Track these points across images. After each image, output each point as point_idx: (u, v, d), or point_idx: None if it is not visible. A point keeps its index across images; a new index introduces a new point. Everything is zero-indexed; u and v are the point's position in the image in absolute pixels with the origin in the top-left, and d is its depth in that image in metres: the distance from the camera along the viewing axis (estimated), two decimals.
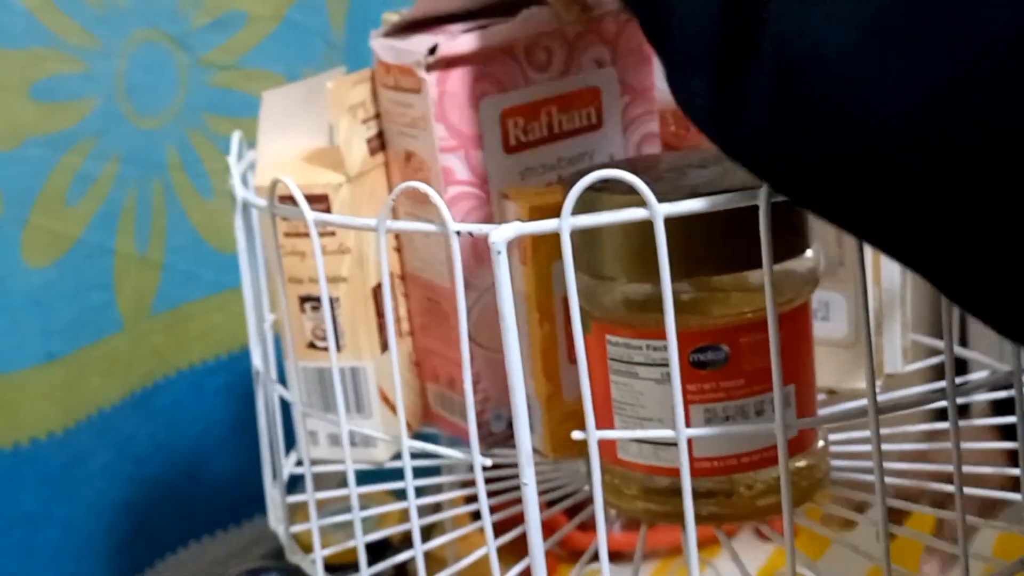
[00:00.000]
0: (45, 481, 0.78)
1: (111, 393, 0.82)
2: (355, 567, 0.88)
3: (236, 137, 0.55)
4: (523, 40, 0.53)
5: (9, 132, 0.74)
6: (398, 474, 0.56)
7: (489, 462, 0.41)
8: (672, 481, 0.47)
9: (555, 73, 0.54)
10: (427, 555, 0.91)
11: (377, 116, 0.56)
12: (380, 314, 0.57)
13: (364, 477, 0.59)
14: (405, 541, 0.88)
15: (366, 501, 0.82)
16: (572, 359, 0.54)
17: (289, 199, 0.46)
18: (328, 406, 0.56)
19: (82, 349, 0.79)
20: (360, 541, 0.46)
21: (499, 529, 0.65)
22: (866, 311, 0.40)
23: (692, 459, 0.45)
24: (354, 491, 0.46)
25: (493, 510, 0.50)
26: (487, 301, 0.54)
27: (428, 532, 0.91)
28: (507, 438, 0.57)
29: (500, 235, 0.38)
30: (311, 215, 0.43)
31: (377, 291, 0.57)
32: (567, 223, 0.38)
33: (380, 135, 0.56)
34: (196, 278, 0.86)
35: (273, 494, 0.54)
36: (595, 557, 0.48)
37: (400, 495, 0.51)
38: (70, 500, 0.79)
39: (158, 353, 0.85)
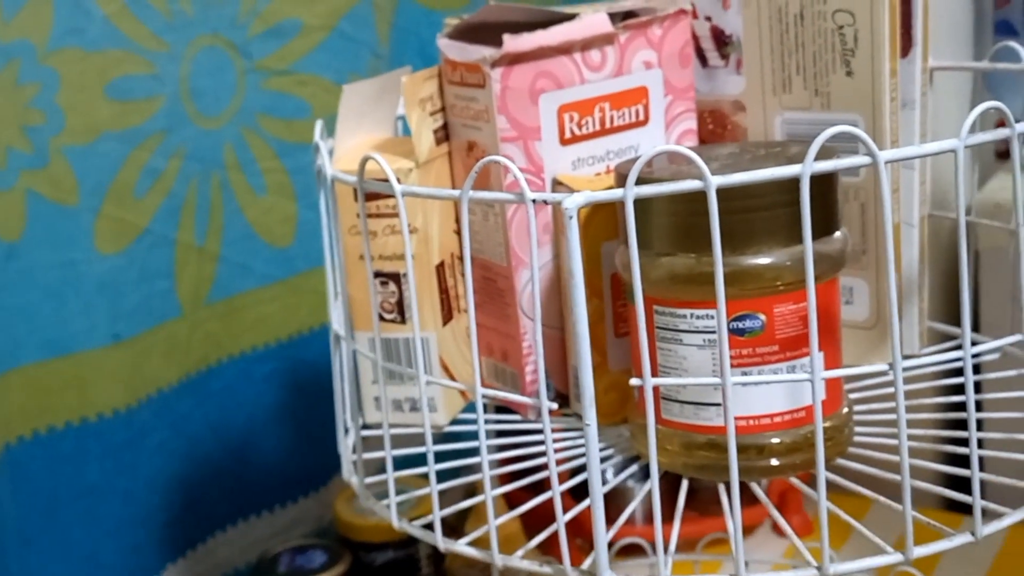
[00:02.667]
0: (109, 455, 0.83)
1: (169, 375, 0.87)
2: (391, 546, 0.93)
3: (319, 125, 0.60)
4: (580, 42, 0.58)
5: (87, 127, 0.79)
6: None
7: (555, 405, 0.46)
8: (709, 438, 0.53)
9: (608, 73, 0.60)
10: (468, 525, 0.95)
11: (443, 109, 0.62)
12: (443, 290, 0.63)
13: (407, 459, 0.64)
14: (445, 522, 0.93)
15: (404, 484, 0.86)
16: (618, 332, 0.60)
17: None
18: (393, 374, 0.62)
19: (145, 332, 0.84)
20: (434, 488, 0.51)
21: (529, 512, 0.70)
22: (897, 278, 0.45)
23: (728, 418, 0.50)
24: (430, 446, 0.51)
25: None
26: (542, 278, 0.60)
27: (463, 517, 0.96)
28: (559, 409, 0.61)
29: (572, 202, 0.43)
30: (399, 187, 0.48)
31: (440, 268, 0.62)
32: (631, 192, 0.43)
33: (445, 127, 0.62)
34: (249, 270, 0.91)
35: (346, 450, 0.59)
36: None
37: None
38: (131, 474, 0.84)
39: (212, 339, 0.90)
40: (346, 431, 0.60)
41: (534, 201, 0.44)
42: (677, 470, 0.54)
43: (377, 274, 0.61)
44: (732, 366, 0.50)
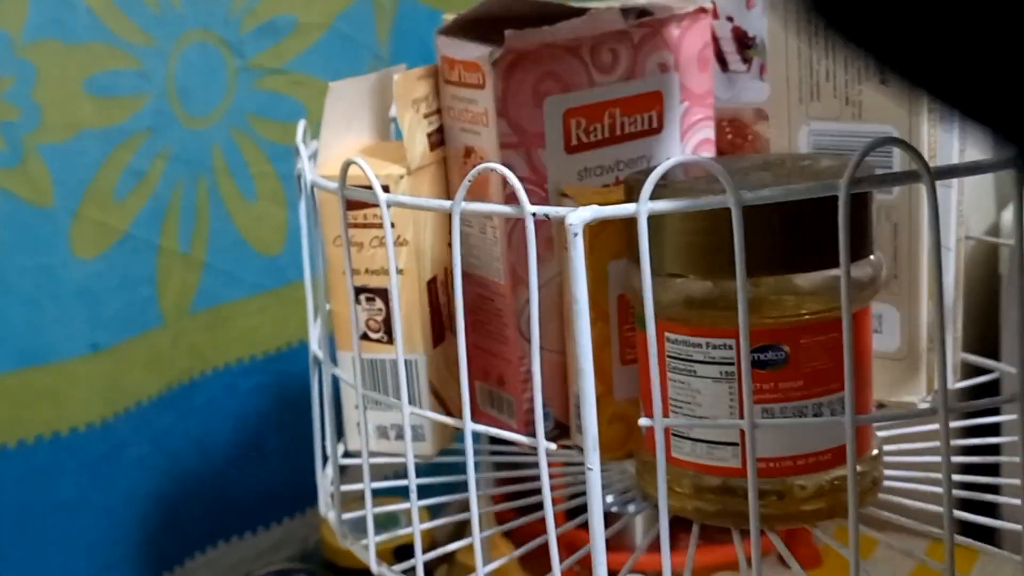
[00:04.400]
0: (85, 469, 0.79)
1: (150, 387, 0.83)
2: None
3: (302, 124, 0.56)
4: (589, 40, 0.54)
5: (65, 124, 0.75)
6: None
7: (554, 446, 0.42)
8: (723, 480, 0.48)
9: (620, 75, 0.55)
10: (457, 563, 0.91)
11: (438, 112, 0.57)
12: (434, 308, 0.58)
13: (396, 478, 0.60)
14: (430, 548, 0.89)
15: (394, 503, 0.82)
16: (624, 360, 0.55)
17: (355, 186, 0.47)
18: (377, 399, 0.57)
19: (125, 342, 0.80)
20: (417, 528, 0.46)
21: (520, 540, 0.65)
22: (940, 306, 0.40)
23: (745, 459, 0.46)
24: (412, 481, 0.46)
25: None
26: (542, 298, 0.55)
27: (459, 530, 0.92)
28: (553, 438, 0.57)
29: (578, 217, 0.39)
30: (384, 196, 0.44)
31: (432, 284, 0.58)
32: (644, 207, 0.39)
33: (441, 130, 0.57)
34: (236, 279, 0.87)
35: (324, 481, 0.55)
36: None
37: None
38: (107, 490, 0.80)
39: (196, 351, 0.86)
40: (324, 460, 0.55)
41: (534, 215, 0.39)
42: (687, 515, 0.50)
43: (362, 289, 0.56)
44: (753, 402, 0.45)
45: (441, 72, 0.56)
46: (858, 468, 0.49)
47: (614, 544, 0.59)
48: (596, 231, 0.52)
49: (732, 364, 0.46)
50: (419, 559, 0.47)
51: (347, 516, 0.56)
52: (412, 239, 0.56)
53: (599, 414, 0.52)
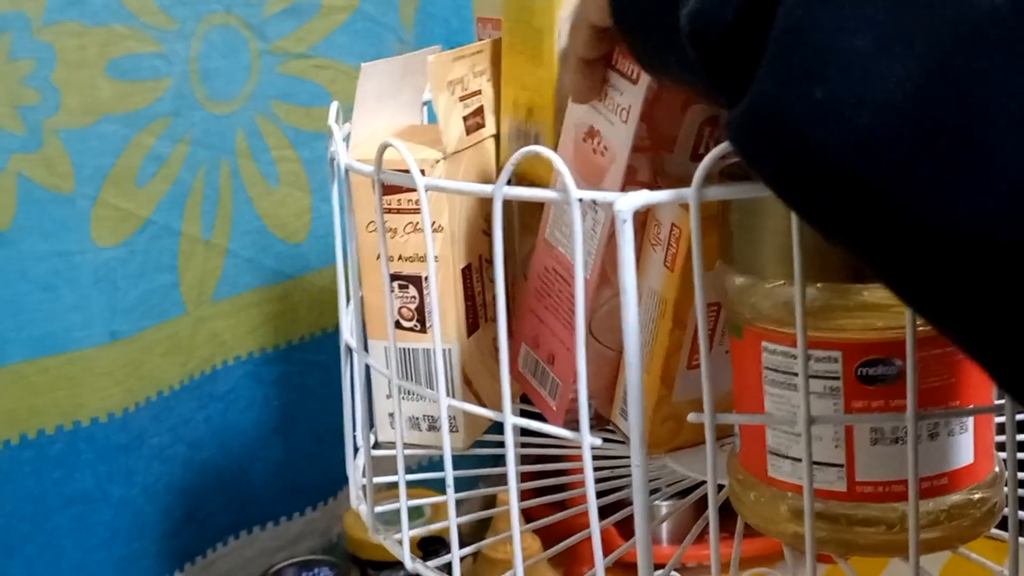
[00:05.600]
0: (103, 460, 0.77)
1: (171, 376, 0.82)
2: (402, 565, 0.88)
3: (334, 106, 0.54)
4: None
5: (85, 108, 0.74)
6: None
7: (599, 441, 0.40)
8: (826, 505, 0.44)
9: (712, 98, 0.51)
10: (483, 557, 0.90)
11: (476, 94, 0.55)
12: (469, 296, 0.56)
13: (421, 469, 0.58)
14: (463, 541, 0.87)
15: (417, 495, 0.81)
16: (691, 365, 0.52)
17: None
18: (409, 390, 0.55)
19: (145, 331, 0.79)
20: (453, 522, 0.45)
21: (546, 532, 0.64)
22: None
23: (853, 483, 0.43)
24: (449, 474, 0.45)
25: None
26: (619, 302, 0.52)
27: (484, 530, 0.91)
28: (602, 429, 0.55)
29: (626, 203, 0.37)
30: (422, 180, 0.42)
31: (467, 272, 0.56)
32: (697, 193, 0.37)
33: (477, 113, 0.56)
34: (258, 266, 0.86)
35: (355, 473, 0.53)
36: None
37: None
38: (126, 481, 0.79)
39: (218, 339, 0.85)
40: (355, 451, 0.54)
41: (581, 201, 0.37)
42: (786, 540, 0.46)
43: (396, 277, 0.55)
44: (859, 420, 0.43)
45: None
46: (977, 494, 0.45)
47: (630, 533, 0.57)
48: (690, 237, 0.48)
49: (838, 379, 0.43)
50: (455, 553, 0.45)
51: (364, 508, 0.54)
52: (447, 225, 0.54)
53: (656, 412, 0.50)
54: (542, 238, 0.54)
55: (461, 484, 0.60)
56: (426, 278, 0.55)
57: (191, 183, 0.80)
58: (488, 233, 0.58)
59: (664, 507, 1.05)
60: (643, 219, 0.50)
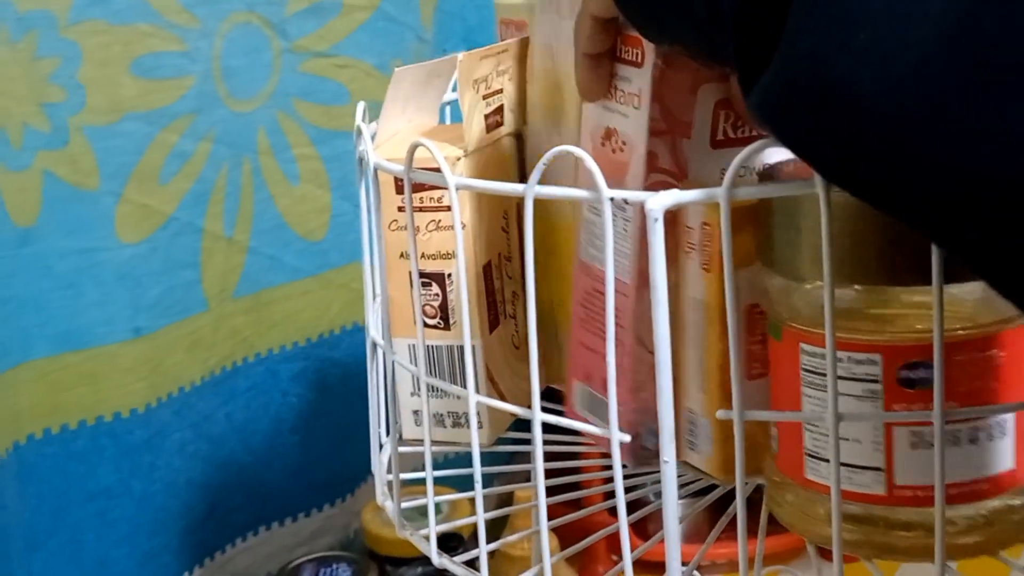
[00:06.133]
0: (125, 455, 0.78)
1: (192, 372, 0.82)
2: (420, 561, 0.88)
3: (361, 107, 0.54)
4: None
5: (110, 106, 0.74)
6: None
7: (628, 438, 0.40)
8: (864, 508, 0.44)
9: (725, 67, 0.50)
10: (501, 554, 0.90)
11: (498, 92, 0.56)
12: (489, 293, 0.57)
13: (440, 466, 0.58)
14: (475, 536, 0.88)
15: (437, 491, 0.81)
16: (750, 375, 0.50)
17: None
18: (433, 386, 0.56)
19: (168, 327, 0.79)
20: (481, 518, 0.45)
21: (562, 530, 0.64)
22: None
23: (892, 486, 0.43)
24: (478, 470, 0.45)
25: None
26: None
27: (498, 529, 0.91)
28: (656, 456, 0.53)
29: (657, 202, 0.37)
30: (453, 179, 0.42)
31: (487, 269, 0.57)
32: (727, 192, 0.37)
33: (498, 111, 0.56)
34: (279, 264, 0.86)
35: (380, 469, 0.54)
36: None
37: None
38: (148, 476, 0.80)
39: (239, 336, 0.85)
40: (380, 447, 0.54)
41: (612, 200, 0.38)
42: (821, 543, 0.46)
43: (419, 274, 0.55)
44: (898, 424, 0.42)
45: None
46: (1018, 500, 0.45)
47: (648, 532, 0.58)
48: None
49: (878, 382, 0.42)
50: (483, 549, 0.46)
51: (390, 504, 0.54)
52: (469, 223, 0.55)
53: (719, 431, 0.49)
54: (577, 263, 0.53)
55: (469, 480, 0.60)
56: (449, 275, 0.55)
57: (214, 180, 0.81)
58: (507, 231, 0.59)
59: (679, 507, 1.05)
60: (674, 225, 0.50)
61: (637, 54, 0.48)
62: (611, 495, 0.64)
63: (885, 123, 0.29)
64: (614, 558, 1.07)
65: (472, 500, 0.47)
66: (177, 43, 0.77)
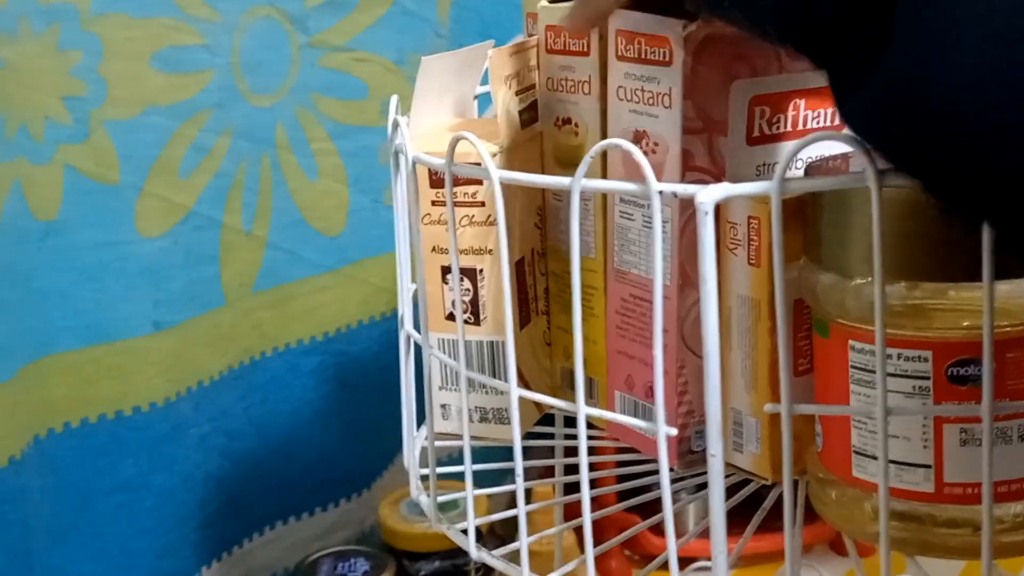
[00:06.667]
0: (146, 449, 0.78)
1: (212, 367, 0.82)
2: (438, 556, 0.88)
3: (394, 100, 0.54)
4: None
5: (131, 99, 0.74)
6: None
7: (675, 431, 0.40)
8: (910, 505, 0.44)
9: (810, 64, 0.51)
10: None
11: (529, 88, 0.56)
12: (521, 289, 0.57)
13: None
14: (493, 533, 0.88)
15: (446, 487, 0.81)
16: (798, 371, 0.49)
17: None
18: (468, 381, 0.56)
19: (188, 321, 0.79)
20: (522, 510, 0.45)
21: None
22: None
23: (940, 483, 0.43)
24: (519, 464, 0.45)
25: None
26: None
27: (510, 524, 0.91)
28: (702, 458, 0.51)
29: (708, 195, 0.37)
30: (497, 173, 0.42)
31: (519, 265, 0.57)
32: (778, 186, 0.37)
33: (532, 107, 0.56)
34: (297, 258, 0.86)
35: (413, 464, 0.54)
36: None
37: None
38: (168, 470, 0.80)
39: (258, 330, 0.85)
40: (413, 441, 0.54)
41: (661, 193, 0.38)
42: (867, 540, 0.46)
43: (449, 269, 0.55)
44: (948, 421, 0.42)
45: (614, 48, 0.51)
46: None
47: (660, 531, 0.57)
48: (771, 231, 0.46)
49: (928, 379, 0.42)
50: (524, 541, 0.46)
51: (424, 499, 0.54)
52: (505, 218, 0.54)
53: (772, 433, 0.48)
54: (611, 271, 0.52)
55: (490, 477, 0.60)
56: (481, 271, 0.55)
57: (233, 174, 0.81)
58: (540, 227, 0.59)
59: (691, 505, 1.05)
60: (716, 222, 0.49)
61: (664, 53, 0.48)
62: (624, 493, 0.64)
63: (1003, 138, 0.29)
64: (626, 553, 1.07)
65: (488, 497, 0.47)
66: (198, 36, 0.77)
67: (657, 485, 0.59)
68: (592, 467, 0.65)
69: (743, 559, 0.94)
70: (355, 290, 0.89)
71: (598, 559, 1.06)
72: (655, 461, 0.63)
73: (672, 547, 0.40)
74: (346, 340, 0.90)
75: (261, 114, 0.82)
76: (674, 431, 0.40)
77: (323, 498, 0.91)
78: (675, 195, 0.38)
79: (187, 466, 0.81)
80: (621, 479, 0.69)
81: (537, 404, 0.57)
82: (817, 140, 0.37)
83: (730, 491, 0.55)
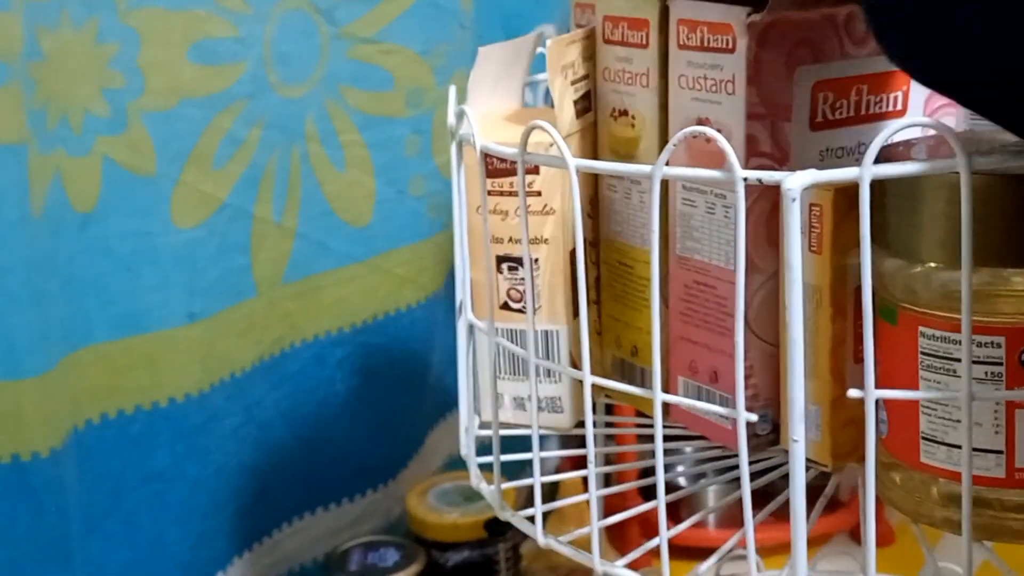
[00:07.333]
0: (180, 440, 0.78)
1: (244, 357, 0.82)
2: (466, 546, 0.89)
3: (453, 90, 0.55)
4: (846, 8, 0.49)
5: (168, 91, 0.74)
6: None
7: (755, 417, 0.41)
8: (976, 490, 0.44)
9: (873, 49, 0.49)
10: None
11: (585, 78, 0.56)
12: (574, 280, 0.57)
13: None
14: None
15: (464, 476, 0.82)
16: (858, 359, 0.49)
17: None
18: (515, 369, 0.56)
19: (221, 312, 0.80)
20: (593, 496, 0.46)
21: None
22: None
23: (1012, 468, 0.43)
24: (591, 451, 0.46)
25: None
26: (771, 288, 0.50)
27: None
28: (769, 443, 0.52)
29: (796, 181, 0.38)
30: (573, 161, 0.43)
31: (574, 255, 0.57)
32: (868, 171, 0.38)
33: (586, 97, 0.56)
34: (327, 249, 0.87)
35: (471, 452, 0.54)
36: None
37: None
38: (202, 461, 0.80)
39: (288, 321, 0.85)
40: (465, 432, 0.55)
41: (746, 180, 0.38)
42: (934, 524, 0.46)
43: (506, 258, 0.56)
44: (1020, 407, 0.42)
45: (675, 37, 0.51)
46: None
47: (682, 516, 0.58)
48: (838, 221, 0.47)
49: (1001, 364, 0.42)
50: (595, 525, 0.46)
51: (486, 488, 0.55)
52: (559, 208, 0.55)
53: (833, 419, 0.49)
54: (674, 259, 0.53)
55: (517, 468, 0.60)
56: (536, 260, 0.56)
57: (264, 166, 0.81)
58: (593, 217, 0.59)
59: (711, 491, 1.06)
60: (770, 211, 0.50)
61: (727, 40, 0.48)
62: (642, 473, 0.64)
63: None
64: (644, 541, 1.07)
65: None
66: (231, 29, 0.77)
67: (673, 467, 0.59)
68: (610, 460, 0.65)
69: (762, 550, 0.95)
70: (383, 281, 0.90)
71: (618, 546, 1.06)
72: (676, 450, 0.62)
73: (750, 529, 0.40)
74: (374, 331, 0.90)
75: (291, 105, 0.82)
76: (754, 417, 0.40)
77: (350, 489, 0.91)
78: (760, 182, 0.38)
79: (220, 456, 0.81)
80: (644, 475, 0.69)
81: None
82: (905, 127, 0.37)
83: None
